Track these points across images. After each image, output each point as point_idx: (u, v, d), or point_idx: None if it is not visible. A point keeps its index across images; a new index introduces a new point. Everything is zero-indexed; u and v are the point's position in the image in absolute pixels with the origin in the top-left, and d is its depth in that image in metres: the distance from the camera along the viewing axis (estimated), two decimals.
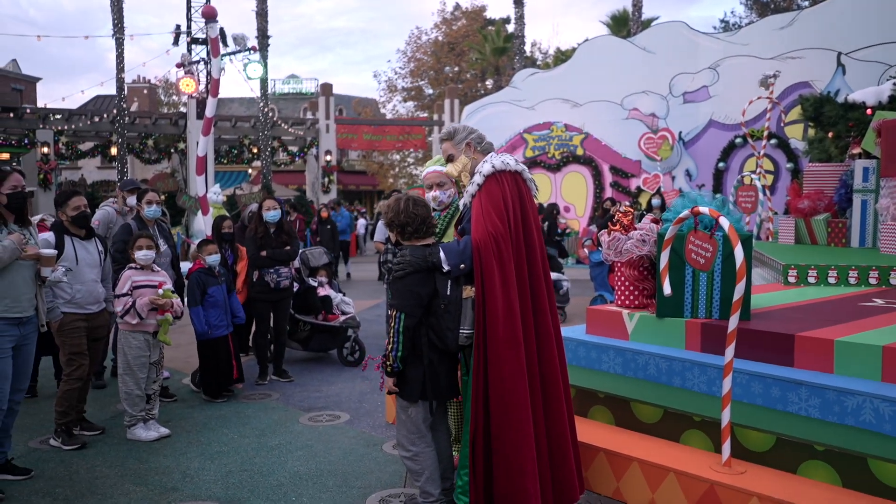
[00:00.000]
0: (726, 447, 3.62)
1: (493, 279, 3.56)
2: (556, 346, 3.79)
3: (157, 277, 5.65)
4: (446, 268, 3.61)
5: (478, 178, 3.74)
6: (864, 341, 4.03)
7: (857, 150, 9.39)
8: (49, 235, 5.35)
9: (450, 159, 4.02)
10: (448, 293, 3.65)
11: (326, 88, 25.65)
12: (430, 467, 3.83)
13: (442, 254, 3.63)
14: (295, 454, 5.15)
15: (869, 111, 9.60)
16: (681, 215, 4.13)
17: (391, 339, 3.64)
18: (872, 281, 6.38)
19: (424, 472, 3.82)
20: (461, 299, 3.67)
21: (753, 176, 8.87)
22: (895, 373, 3.83)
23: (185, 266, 7.70)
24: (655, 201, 14.82)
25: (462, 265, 3.62)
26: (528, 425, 3.57)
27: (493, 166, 3.74)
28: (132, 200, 7.13)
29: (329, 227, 15.58)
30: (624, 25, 30.01)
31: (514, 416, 3.55)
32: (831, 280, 6.46)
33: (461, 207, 3.95)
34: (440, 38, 40.14)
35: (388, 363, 3.68)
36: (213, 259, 6.60)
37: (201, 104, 20.56)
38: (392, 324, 3.64)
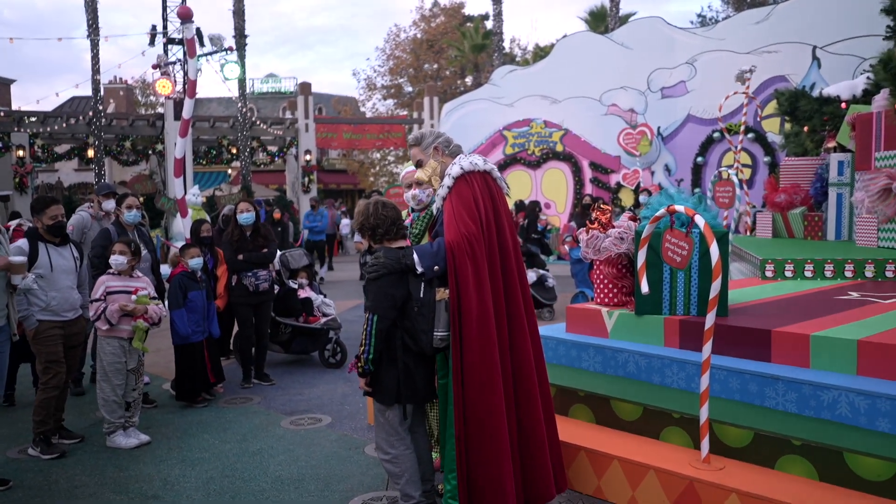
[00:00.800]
0: (705, 444, 3.65)
1: (467, 280, 3.57)
2: (531, 346, 3.81)
3: (135, 283, 5.58)
4: (420, 269, 3.62)
5: (447, 181, 3.76)
6: (839, 335, 4.08)
7: (832, 144, 9.50)
8: (22, 242, 5.28)
9: (419, 164, 4.06)
10: (421, 295, 3.65)
11: (305, 88, 25.53)
12: (410, 469, 3.83)
13: (416, 256, 3.64)
14: (277, 459, 5.13)
15: (843, 105, 9.72)
16: (657, 213, 4.15)
17: (363, 341, 3.64)
18: (848, 274, 6.46)
19: (404, 475, 3.82)
20: (434, 301, 3.68)
21: (730, 171, 8.95)
22: (870, 366, 3.89)
23: (165, 269, 7.65)
24: (643, 198, 14.90)
25: (436, 267, 3.63)
26: (504, 426, 3.59)
27: (461, 168, 3.76)
28: (108, 205, 7.06)
29: (280, 228, 14.93)
30: (602, 21, 30.12)
31: (490, 417, 3.56)
32: (808, 274, 6.54)
33: (434, 212, 3.95)
34: (419, 36, 40.08)
35: (359, 364, 3.69)
36: (196, 263, 6.54)
37: (178, 105, 20.39)
38: (365, 326, 3.65)
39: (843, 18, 15.92)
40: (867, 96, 9.50)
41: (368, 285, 3.70)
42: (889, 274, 6.37)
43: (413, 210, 4.38)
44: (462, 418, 3.59)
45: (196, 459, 5.15)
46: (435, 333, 3.67)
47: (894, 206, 7.15)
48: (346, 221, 27.05)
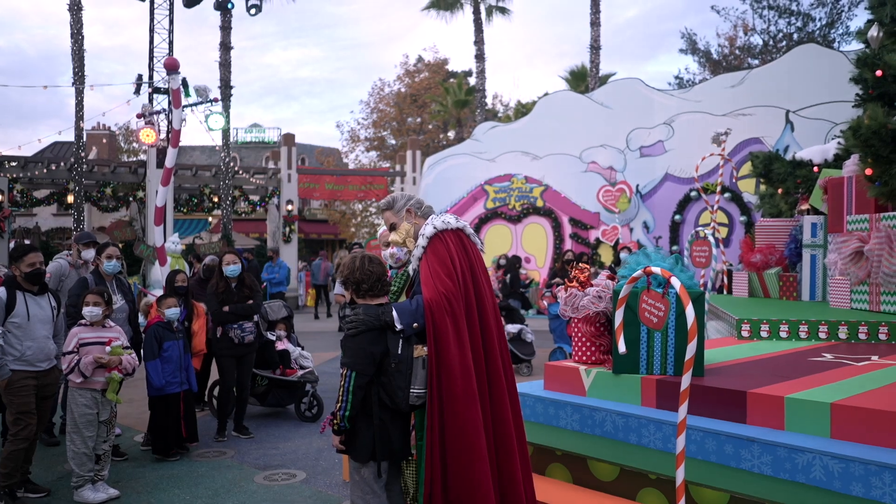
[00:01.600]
0: None
1: (447, 337, 3.58)
2: (509, 404, 3.81)
3: (108, 333, 5.53)
4: (399, 326, 3.62)
5: (422, 241, 3.81)
6: (813, 398, 4.11)
7: (805, 206, 9.70)
8: (0, 291, 5.24)
9: (392, 228, 4.11)
10: (399, 352, 3.64)
11: (289, 139, 25.74)
12: None
13: (395, 313, 3.65)
14: None
15: (816, 169, 9.96)
16: (634, 274, 4.21)
17: (340, 398, 3.61)
18: (822, 335, 6.54)
19: None
20: (412, 358, 3.67)
21: (706, 231, 9.10)
22: (844, 430, 3.92)
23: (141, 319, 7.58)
24: (624, 255, 15.07)
25: (415, 324, 3.64)
26: (489, 480, 3.57)
27: (434, 227, 3.81)
28: (88, 254, 7.02)
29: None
30: (582, 80, 30.81)
31: (475, 471, 3.54)
32: (783, 334, 6.61)
33: (410, 273, 3.99)
34: (402, 90, 40.69)
35: (335, 422, 3.65)
36: (172, 313, 6.50)
37: (161, 153, 20.45)
38: (342, 382, 3.62)
39: (814, 84, 16.45)
40: (838, 161, 9.74)
41: (346, 341, 3.68)
42: (862, 336, 6.46)
43: (391, 267, 4.42)
44: (438, 476, 3.56)
45: None
46: (412, 391, 3.66)
47: (866, 269, 7.29)
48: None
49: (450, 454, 3.56)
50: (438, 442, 3.58)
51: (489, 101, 36.21)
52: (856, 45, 18.72)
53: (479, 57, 27.49)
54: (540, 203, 20.57)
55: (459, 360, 3.59)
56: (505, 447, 3.74)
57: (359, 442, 3.69)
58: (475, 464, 3.55)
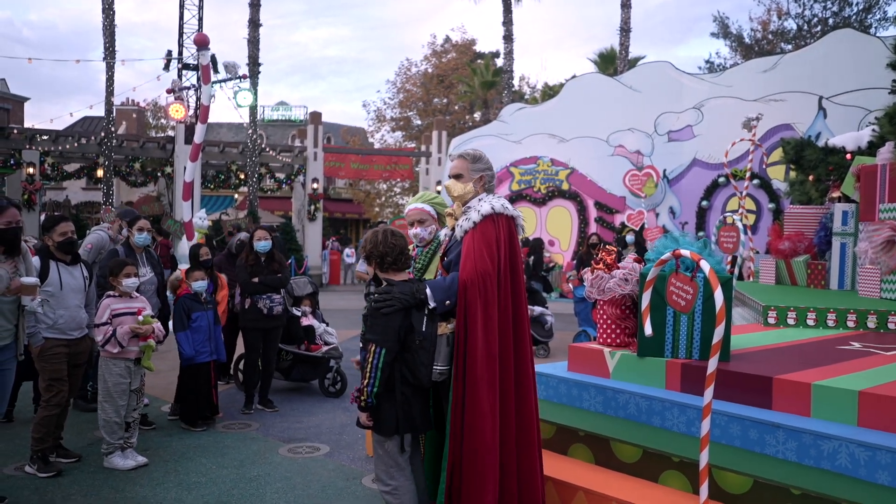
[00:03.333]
0: (704, 489, 3.64)
1: (476, 318, 3.61)
2: (533, 391, 3.86)
3: (136, 304, 5.63)
4: (432, 304, 3.64)
5: (475, 216, 3.78)
6: (840, 385, 4.09)
7: (836, 194, 9.57)
8: (34, 259, 5.33)
9: (457, 177, 3.99)
10: (424, 329, 3.67)
11: (315, 117, 25.78)
12: (409, 501, 3.82)
13: (429, 290, 3.66)
14: (273, 486, 5.12)
15: (849, 156, 9.81)
16: (663, 257, 4.19)
17: (368, 374, 3.62)
18: (850, 324, 6.48)
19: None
20: (436, 335, 3.71)
21: (735, 217, 9.01)
22: (871, 418, 3.89)
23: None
24: (629, 238, 14.97)
25: (447, 301, 3.66)
26: (496, 467, 3.61)
27: (492, 207, 3.78)
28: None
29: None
30: (611, 63, 30.47)
31: (483, 456, 3.58)
32: (810, 322, 6.55)
33: (444, 236, 4.02)
34: (430, 70, 40.52)
35: (362, 398, 3.67)
36: (199, 285, 6.60)
37: (190, 129, 20.61)
38: (370, 359, 3.62)
39: (849, 70, 16.12)
40: (872, 148, 9.59)
41: (375, 318, 3.68)
42: (891, 325, 6.38)
43: (416, 246, 4.45)
44: (458, 452, 3.60)
45: (192, 484, 5.14)
46: (435, 367, 3.70)
47: None
48: (348, 251, 27.15)
49: (466, 434, 3.60)
50: (460, 420, 3.61)
51: (516, 82, 35.98)
52: (893, 31, 18.32)
53: (508, 38, 27.26)
54: (565, 186, 20.47)
55: (484, 343, 3.61)
56: (527, 437, 3.79)
57: (383, 417, 3.73)
58: (481, 454, 3.59)
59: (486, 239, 3.72)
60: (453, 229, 3.94)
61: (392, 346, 3.62)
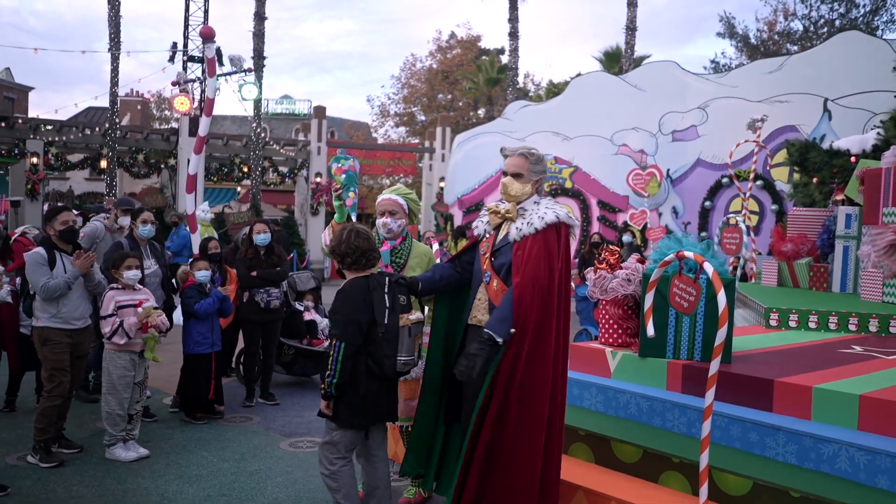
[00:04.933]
0: (703, 490, 3.65)
1: (530, 332, 3.63)
2: (564, 402, 3.92)
3: (139, 296, 5.65)
4: (500, 340, 3.61)
5: (538, 222, 3.72)
6: (841, 389, 4.10)
7: (840, 197, 9.56)
8: (40, 250, 5.36)
9: (517, 176, 3.91)
10: (386, 321, 3.79)
11: (320, 111, 25.76)
12: (347, 485, 3.96)
13: (489, 331, 3.61)
14: (274, 480, 5.14)
15: (853, 159, 9.79)
16: (666, 258, 4.20)
17: (330, 367, 3.76)
18: (852, 327, 6.48)
19: (341, 490, 3.95)
20: (398, 327, 3.81)
21: (738, 218, 9.01)
22: (871, 422, 3.90)
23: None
24: (626, 238, 14.93)
25: (512, 329, 3.63)
26: (536, 480, 3.67)
27: (557, 217, 3.75)
28: (124, 220, 7.15)
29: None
30: (616, 62, 30.42)
31: (531, 458, 3.65)
32: (812, 325, 6.56)
33: (486, 232, 3.95)
34: (434, 66, 40.50)
35: (323, 387, 3.81)
36: (202, 275, 6.63)
37: (194, 121, 20.61)
38: (332, 352, 3.77)
39: (855, 72, 16.07)
40: (877, 151, 9.57)
41: (335, 314, 3.87)
42: (893, 329, 6.39)
43: (385, 238, 4.55)
44: (482, 469, 3.62)
45: (194, 476, 5.16)
46: (398, 358, 3.83)
47: None
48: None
49: (505, 445, 3.59)
50: (490, 428, 3.60)
51: (521, 80, 35.92)
52: None
53: (513, 35, 27.22)
54: (569, 184, 20.45)
55: (538, 359, 3.66)
56: (558, 434, 3.85)
57: (343, 408, 3.86)
58: (532, 458, 3.64)
59: (549, 249, 3.69)
60: (497, 227, 3.91)
61: (351, 340, 3.75)
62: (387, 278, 3.95)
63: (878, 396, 3.95)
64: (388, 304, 3.83)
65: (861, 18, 29.93)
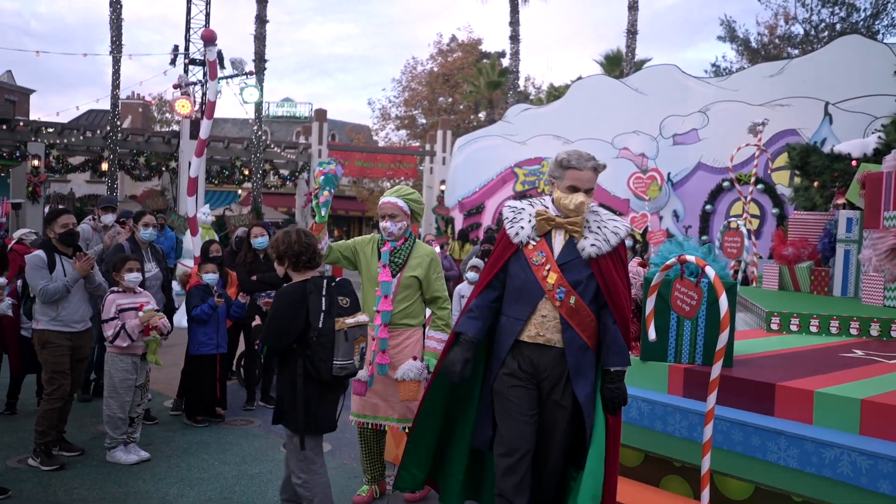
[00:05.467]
0: (705, 495, 3.65)
1: None
2: None
3: (140, 299, 5.65)
4: (625, 369, 3.57)
5: (612, 238, 3.57)
6: (843, 393, 4.10)
7: (841, 201, 9.56)
8: (40, 252, 5.36)
9: (589, 192, 3.61)
10: (321, 325, 3.77)
11: (321, 114, 25.81)
12: (320, 494, 3.95)
13: (615, 368, 3.52)
14: (275, 483, 5.12)
15: (854, 163, 9.79)
16: (668, 262, 4.20)
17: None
18: (853, 331, 6.48)
19: (315, 498, 3.94)
20: (334, 331, 3.78)
21: (739, 221, 9.01)
22: (873, 426, 3.90)
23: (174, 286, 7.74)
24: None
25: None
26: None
27: (625, 230, 3.63)
28: (107, 218, 7.22)
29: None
30: (617, 65, 30.46)
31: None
32: (813, 329, 6.56)
33: (529, 240, 3.59)
34: (435, 69, 40.53)
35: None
36: (210, 278, 6.65)
37: (195, 124, 20.63)
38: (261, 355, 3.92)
39: (856, 76, 16.08)
40: (878, 155, 9.57)
41: (267, 319, 3.95)
42: (894, 334, 6.39)
43: (385, 239, 4.62)
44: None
45: (195, 479, 5.16)
46: (335, 362, 3.80)
47: None
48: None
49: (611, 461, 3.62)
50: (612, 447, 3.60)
51: (522, 83, 35.96)
52: None
53: (514, 38, 27.27)
54: None
55: None
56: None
57: (289, 414, 3.90)
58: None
59: (624, 267, 3.64)
60: (543, 234, 3.61)
61: (272, 342, 3.81)
62: (325, 281, 3.93)
63: (880, 401, 3.95)
64: (323, 308, 3.81)
65: (862, 22, 29.96)
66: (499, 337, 3.63)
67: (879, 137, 10.11)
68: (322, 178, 4.62)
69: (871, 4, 29.75)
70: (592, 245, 3.54)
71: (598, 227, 3.58)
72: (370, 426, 4.75)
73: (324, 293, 3.86)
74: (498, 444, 3.55)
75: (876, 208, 8.07)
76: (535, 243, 3.57)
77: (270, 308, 3.91)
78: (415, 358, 4.55)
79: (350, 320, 3.83)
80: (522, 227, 3.61)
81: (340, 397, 4.06)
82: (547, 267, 3.52)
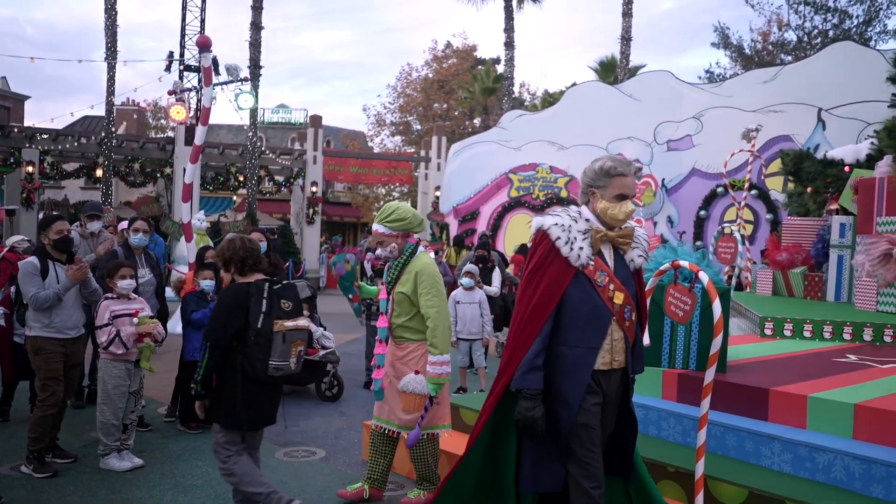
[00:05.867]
0: (699, 499, 3.66)
1: None
2: None
3: (134, 305, 5.63)
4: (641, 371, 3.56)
5: (646, 245, 3.49)
6: (836, 398, 4.12)
7: (834, 206, 9.60)
8: (33, 259, 5.35)
9: (627, 196, 3.42)
10: (259, 326, 3.92)
11: (316, 120, 25.80)
12: (244, 471, 4.12)
13: (639, 373, 3.54)
14: None
15: (847, 168, 9.83)
16: (661, 268, 4.21)
17: (199, 366, 4.01)
18: (846, 336, 6.50)
19: (245, 477, 4.10)
20: (272, 332, 3.92)
21: (733, 227, 9.05)
22: (866, 431, 3.91)
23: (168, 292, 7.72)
24: None
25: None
26: None
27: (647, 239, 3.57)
28: (93, 225, 7.25)
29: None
30: (611, 72, 30.55)
31: None
32: (806, 334, 6.57)
33: (589, 255, 3.32)
34: (430, 76, 40.58)
35: (192, 386, 4.07)
36: (207, 284, 6.65)
37: (190, 130, 20.63)
38: (203, 352, 3.99)
39: (848, 83, 16.15)
40: (870, 161, 9.61)
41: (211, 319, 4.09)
42: (887, 339, 6.41)
43: (377, 258, 5.04)
44: None
45: (188, 486, 5.14)
46: (270, 362, 3.93)
47: (894, 271, 7.22)
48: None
49: None
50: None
51: (516, 89, 36.04)
52: (893, 44, 18.40)
53: (509, 45, 27.32)
54: (564, 193, 20.49)
55: None
56: None
57: (224, 409, 4.03)
58: None
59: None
60: (614, 249, 3.43)
61: (216, 341, 3.95)
62: (267, 284, 4.10)
63: (873, 405, 3.97)
64: (263, 310, 3.97)
65: (854, 29, 30.09)
66: (565, 369, 3.29)
67: (872, 143, 10.15)
68: (339, 283, 4.92)
69: (863, 11, 29.89)
70: (640, 256, 3.44)
71: (642, 239, 3.47)
72: (384, 430, 4.82)
73: (265, 295, 4.04)
74: (589, 478, 3.25)
75: (869, 214, 8.11)
76: (592, 263, 3.32)
77: (214, 306, 4.07)
78: (417, 372, 4.59)
79: (289, 323, 3.98)
80: (582, 248, 3.29)
81: (278, 396, 4.26)
82: (611, 287, 3.31)
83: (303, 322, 4.11)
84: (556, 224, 3.33)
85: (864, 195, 8.33)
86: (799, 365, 5.26)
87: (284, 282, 4.25)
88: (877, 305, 7.59)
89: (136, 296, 5.81)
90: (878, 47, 21.89)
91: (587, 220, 3.38)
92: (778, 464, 3.98)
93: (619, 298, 3.31)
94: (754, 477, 3.87)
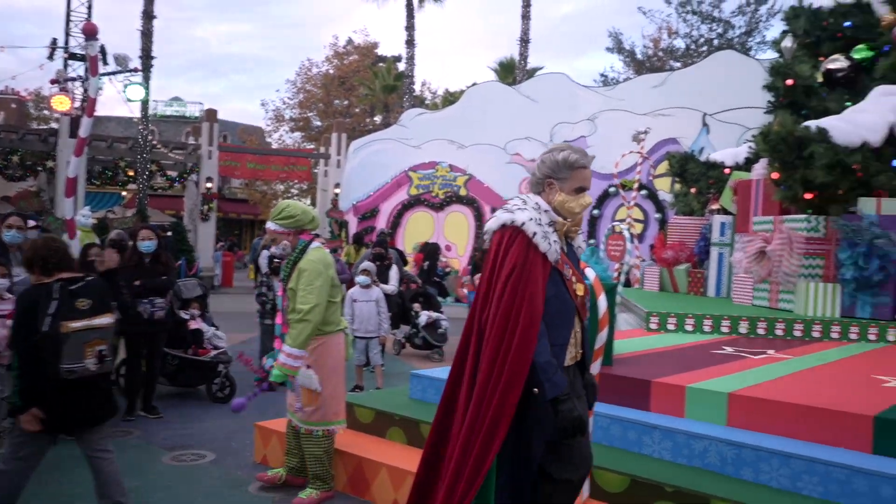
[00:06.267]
0: (585, 489, 3.77)
1: None
2: None
3: (7, 306, 5.32)
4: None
5: (584, 237, 3.46)
6: (711, 388, 4.33)
7: (715, 206, 10.10)
8: None
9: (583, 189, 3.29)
10: (45, 328, 3.76)
11: (211, 114, 25.06)
12: (7, 488, 4.06)
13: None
14: (155, 496, 4.94)
15: (727, 171, 10.36)
16: None
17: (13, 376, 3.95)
18: (724, 329, 6.85)
19: (1, 492, 4.04)
20: (60, 334, 3.75)
21: (623, 226, 9.37)
22: (739, 418, 4.14)
23: None
24: None
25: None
26: None
27: None
28: None
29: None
30: (510, 72, 31.08)
31: None
32: (688, 328, 6.89)
33: (558, 251, 3.12)
34: (331, 72, 40.14)
35: (10, 399, 3.99)
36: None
37: (75, 122, 19.63)
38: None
39: (731, 89, 17.04)
40: (748, 164, 10.16)
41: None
42: (760, 331, 6.80)
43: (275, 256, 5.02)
44: None
45: (67, 497, 4.90)
46: (61, 366, 3.75)
47: (767, 268, 7.66)
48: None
49: None
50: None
51: (417, 87, 36.14)
52: (771, 55, 19.52)
53: (410, 43, 27.41)
54: (463, 192, 20.71)
55: None
56: None
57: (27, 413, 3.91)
58: None
59: None
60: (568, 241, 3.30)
61: (14, 347, 3.95)
62: (59, 284, 3.90)
63: (745, 394, 4.20)
64: (50, 311, 3.78)
65: (737, 39, 31.76)
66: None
67: (750, 147, 10.73)
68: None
69: (745, 22, 31.61)
70: (584, 242, 3.39)
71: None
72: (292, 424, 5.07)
73: (55, 296, 3.83)
74: (576, 466, 3.11)
75: (746, 213, 8.57)
76: (560, 257, 3.14)
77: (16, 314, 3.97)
78: (308, 367, 4.72)
79: (76, 324, 3.77)
80: (556, 241, 3.10)
81: (99, 398, 4.08)
82: (573, 279, 3.18)
83: (99, 321, 3.87)
84: (531, 219, 3.09)
85: (742, 196, 8.80)
86: (680, 357, 5.51)
87: (88, 279, 4.01)
88: (752, 300, 8.04)
89: (10, 295, 5.49)
90: (757, 57, 23.16)
91: (546, 211, 3.17)
92: (658, 451, 4.15)
93: (580, 290, 3.19)
94: (636, 465, 4.02)
